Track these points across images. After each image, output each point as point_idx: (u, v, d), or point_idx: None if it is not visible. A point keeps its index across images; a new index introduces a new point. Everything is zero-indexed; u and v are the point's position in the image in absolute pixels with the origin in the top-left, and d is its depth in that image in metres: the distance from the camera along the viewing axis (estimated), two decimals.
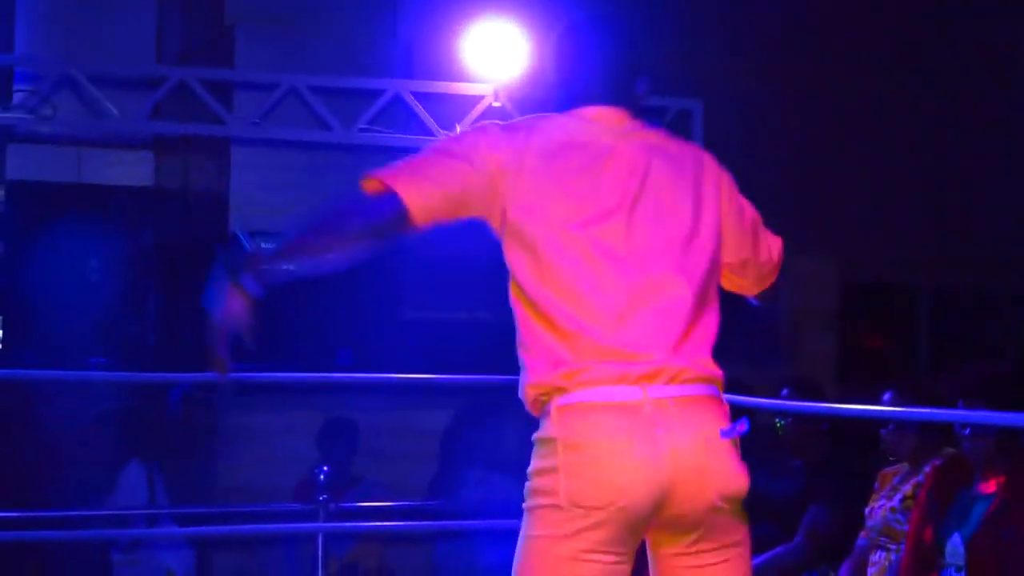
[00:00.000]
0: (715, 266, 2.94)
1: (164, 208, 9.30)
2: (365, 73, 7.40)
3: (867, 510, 5.20)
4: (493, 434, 7.30)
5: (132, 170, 9.07)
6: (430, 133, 7.02)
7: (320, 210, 2.88)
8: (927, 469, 4.97)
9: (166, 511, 7.02)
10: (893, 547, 4.98)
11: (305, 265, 2.87)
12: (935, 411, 4.64)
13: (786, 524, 5.54)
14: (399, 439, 7.50)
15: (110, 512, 6.96)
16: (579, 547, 2.70)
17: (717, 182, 3.01)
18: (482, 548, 6.93)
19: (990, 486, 4.59)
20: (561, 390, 2.74)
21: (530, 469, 2.78)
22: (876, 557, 5.08)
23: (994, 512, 4.48)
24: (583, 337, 2.74)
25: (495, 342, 8.45)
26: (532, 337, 2.80)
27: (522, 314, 2.83)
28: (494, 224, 2.89)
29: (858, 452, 5.72)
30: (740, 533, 2.85)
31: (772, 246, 3.19)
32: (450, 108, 7.15)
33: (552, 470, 2.71)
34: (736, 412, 2.86)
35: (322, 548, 6.04)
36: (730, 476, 2.78)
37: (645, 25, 8.50)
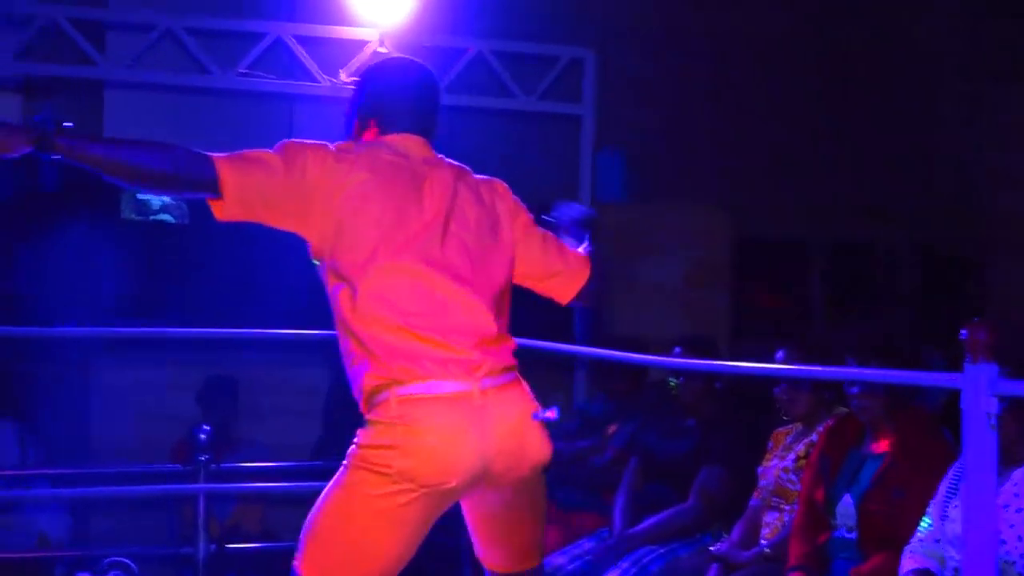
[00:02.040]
0: (509, 278, 3.51)
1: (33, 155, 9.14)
2: (245, 15, 7.32)
3: (760, 470, 5.23)
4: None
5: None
6: (313, 79, 7.05)
7: (154, 143, 3.21)
8: (820, 429, 5.01)
9: (39, 472, 6.87)
10: (786, 507, 5.00)
11: (106, 170, 3.16)
12: (826, 369, 4.63)
13: (679, 484, 5.56)
14: (281, 397, 7.48)
15: None
16: (393, 510, 3.18)
17: (510, 208, 3.58)
18: None
19: (881, 446, 4.60)
20: (399, 382, 3.19)
21: (360, 442, 3.23)
22: (769, 518, 5.12)
23: (884, 472, 4.49)
24: (409, 335, 3.22)
25: None
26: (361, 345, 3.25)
27: (348, 316, 3.26)
28: (309, 235, 3.30)
29: (751, 411, 5.76)
30: (541, 489, 3.50)
31: (575, 257, 3.73)
32: (334, 53, 7.17)
33: (388, 447, 3.16)
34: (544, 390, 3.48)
35: (203, 510, 6.00)
36: (540, 450, 3.37)
37: None
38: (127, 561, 5.75)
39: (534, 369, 8.01)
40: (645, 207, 8.47)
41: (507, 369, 3.35)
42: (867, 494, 4.53)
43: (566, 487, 6.30)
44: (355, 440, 3.26)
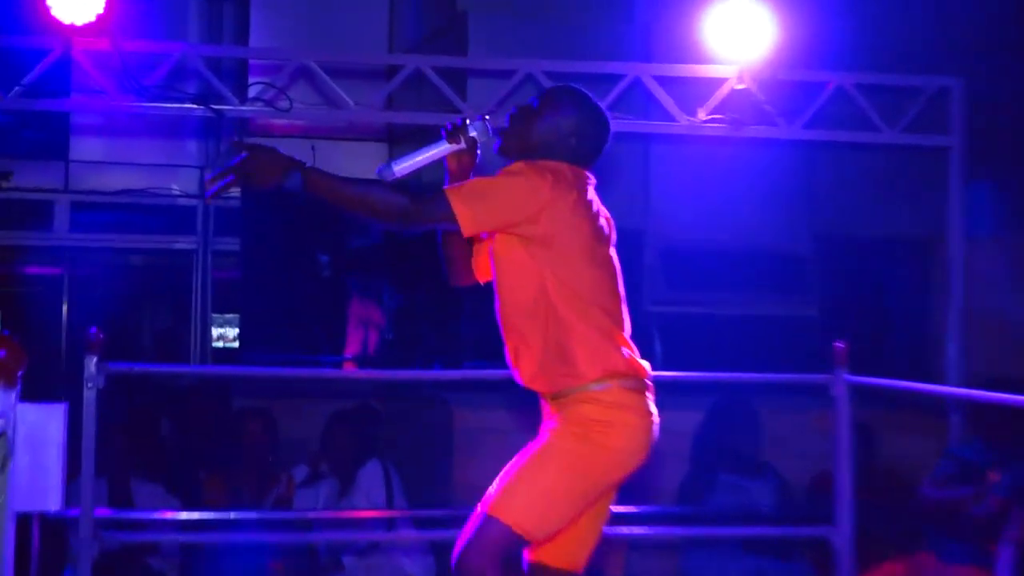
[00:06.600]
0: None
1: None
2: (601, 58, 7.28)
3: None
4: (746, 436, 7.04)
5: (366, 162, 9.07)
6: (671, 118, 6.96)
7: (383, 182, 3.70)
8: None
9: (404, 514, 6.87)
10: None
11: (345, 204, 3.61)
12: None
13: None
14: None
15: (348, 514, 6.83)
16: (599, 479, 3.73)
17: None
18: (734, 557, 6.69)
19: None
20: (622, 375, 3.72)
21: (588, 415, 3.68)
22: None
23: None
24: (622, 340, 3.77)
25: (745, 338, 8.22)
26: (588, 334, 3.73)
27: (569, 319, 3.72)
28: (528, 241, 3.71)
29: None
30: None
31: None
32: (692, 91, 7.06)
33: (608, 423, 3.68)
34: None
35: None
36: None
37: (900, 2, 8.21)
38: None
39: (903, 409, 7.65)
40: (1020, 240, 8.04)
41: None
42: None
43: (944, 537, 5.95)
44: (575, 414, 3.68)
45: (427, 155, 3.81)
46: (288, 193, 3.57)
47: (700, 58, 7.03)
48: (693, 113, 6.93)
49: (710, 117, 6.90)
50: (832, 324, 7.73)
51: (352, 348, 9.53)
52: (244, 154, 3.59)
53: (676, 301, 8.35)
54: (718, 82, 6.94)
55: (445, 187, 3.68)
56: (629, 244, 8.13)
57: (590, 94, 3.97)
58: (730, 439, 6.94)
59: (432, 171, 3.98)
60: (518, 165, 3.70)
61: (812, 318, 8.39)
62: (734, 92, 6.92)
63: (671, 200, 8.20)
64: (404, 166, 3.73)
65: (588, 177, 3.85)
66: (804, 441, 7.24)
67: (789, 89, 7.13)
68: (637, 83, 6.87)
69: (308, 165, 3.58)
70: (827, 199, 7.89)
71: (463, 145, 3.84)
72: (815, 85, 7.07)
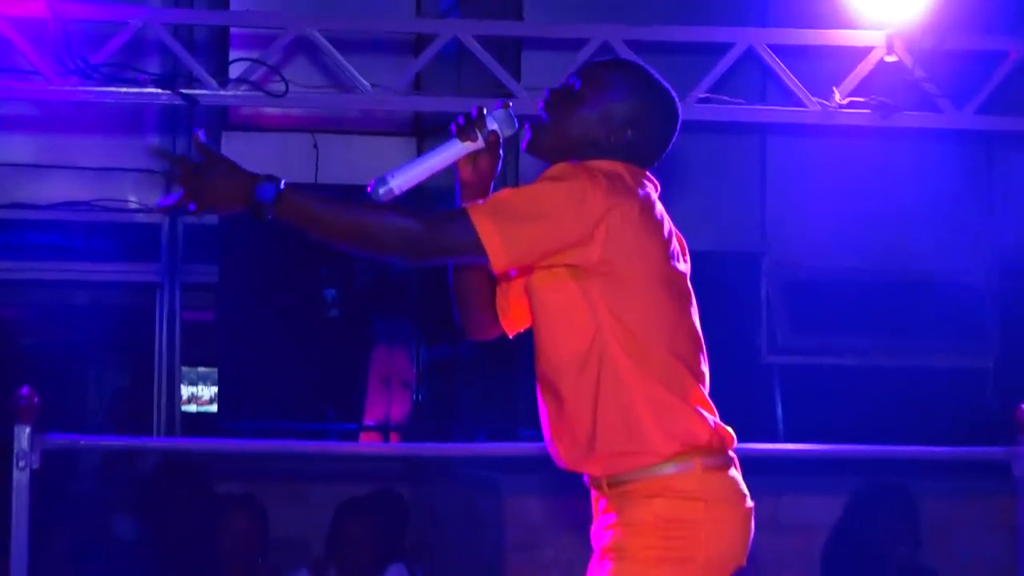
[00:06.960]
0: None
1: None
2: (702, 22, 7.36)
3: None
4: (899, 531, 7.07)
5: (386, 163, 9.10)
6: (795, 102, 7.02)
7: (384, 206, 3.58)
8: None
9: None
10: None
11: (333, 232, 3.51)
12: None
13: None
14: (765, 534, 7.35)
15: None
16: None
17: None
18: None
19: None
20: (706, 450, 3.59)
21: (664, 516, 3.54)
22: None
23: None
24: (702, 401, 3.65)
25: (898, 399, 8.22)
26: (660, 395, 3.61)
27: (635, 374, 3.59)
28: (576, 262, 3.58)
29: None
30: None
31: None
32: (825, 66, 7.13)
33: (693, 526, 3.54)
34: None
35: None
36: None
37: None
38: None
39: None
40: None
41: None
42: None
43: None
44: (644, 518, 3.53)
45: (433, 161, 3.70)
46: (259, 220, 3.45)
47: (836, 21, 7.10)
48: (826, 95, 7.00)
49: (849, 101, 6.96)
50: (1014, 380, 7.65)
51: (371, 414, 9.48)
52: (200, 159, 3.50)
53: (803, 349, 8.38)
54: (861, 53, 7.01)
55: (466, 204, 3.56)
56: (740, 273, 8.25)
57: (649, 68, 3.84)
58: (878, 535, 6.95)
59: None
60: (560, 167, 3.58)
61: (988, 371, 8.46)
62: (882, 66, 6.97)
63: (796, 213, 8.29)
64: (404, 179, 3.62)
65: (652, 182, 3.74)
66: (978, 536, 7.29)
67: (956, 62, 7.18)
68: (751, 55, 6.96)
69: (283, 183, 3.46)
70: (1010, 212, 7.90)
71: (480, 144, 3.69)
72: (991, 56, 7.14)
